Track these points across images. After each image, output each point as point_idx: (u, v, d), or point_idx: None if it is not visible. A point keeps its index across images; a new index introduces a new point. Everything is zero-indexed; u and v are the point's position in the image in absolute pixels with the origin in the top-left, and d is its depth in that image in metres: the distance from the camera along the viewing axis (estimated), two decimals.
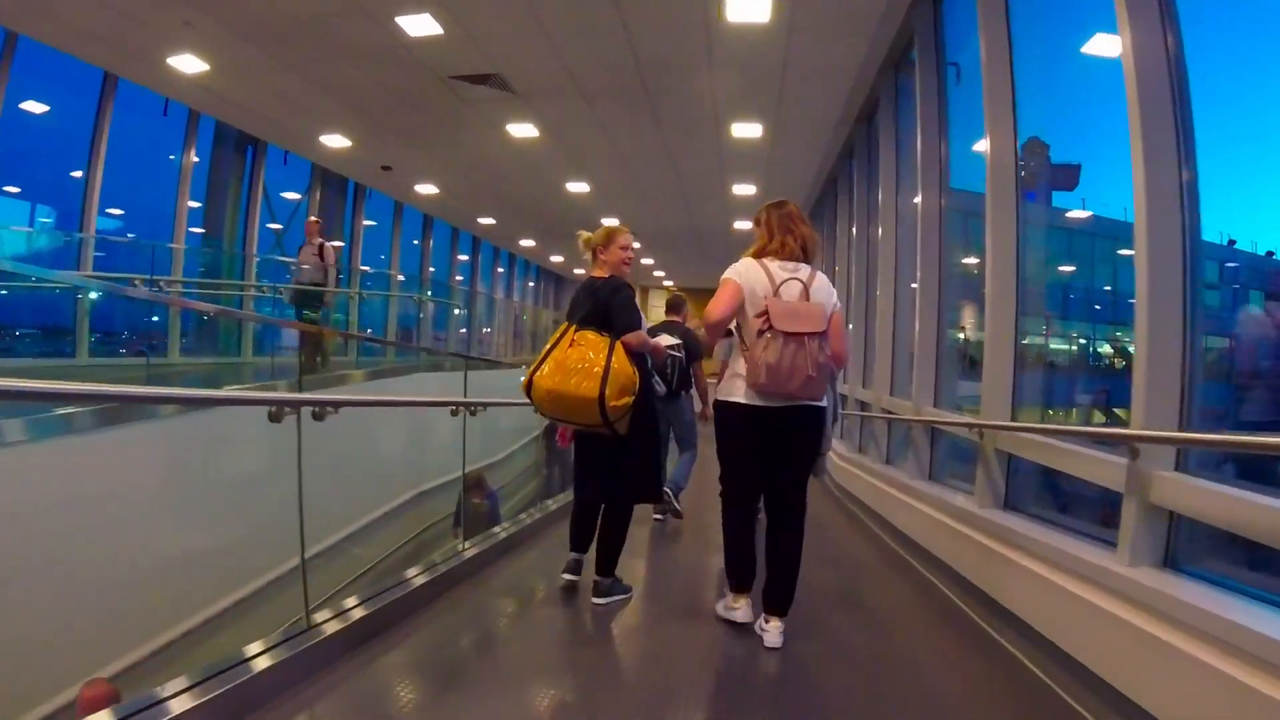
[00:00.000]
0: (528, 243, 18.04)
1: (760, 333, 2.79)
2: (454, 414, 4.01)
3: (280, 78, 7.82)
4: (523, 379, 3.25)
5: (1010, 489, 3.59)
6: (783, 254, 2.94)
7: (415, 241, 15.89)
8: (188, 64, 7.55)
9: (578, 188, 11.63)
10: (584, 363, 3.12)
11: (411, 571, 3.37)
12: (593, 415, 3.09)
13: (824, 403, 2.95)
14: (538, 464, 9.27)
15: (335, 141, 10.33)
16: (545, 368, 3.17)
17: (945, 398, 4.94)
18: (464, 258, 18.03)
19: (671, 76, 7.02)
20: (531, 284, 23.70)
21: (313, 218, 8.96)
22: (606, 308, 3.24)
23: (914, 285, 5.53)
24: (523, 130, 8.98)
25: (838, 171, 9.41)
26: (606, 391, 3.05)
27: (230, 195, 11.17)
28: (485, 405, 4.38)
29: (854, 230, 8.21)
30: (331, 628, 2.54)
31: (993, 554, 3.26)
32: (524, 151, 9.81)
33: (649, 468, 3.42)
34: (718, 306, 2.88)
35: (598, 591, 3.32)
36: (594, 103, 7.83)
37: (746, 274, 2.91)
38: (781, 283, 2.86)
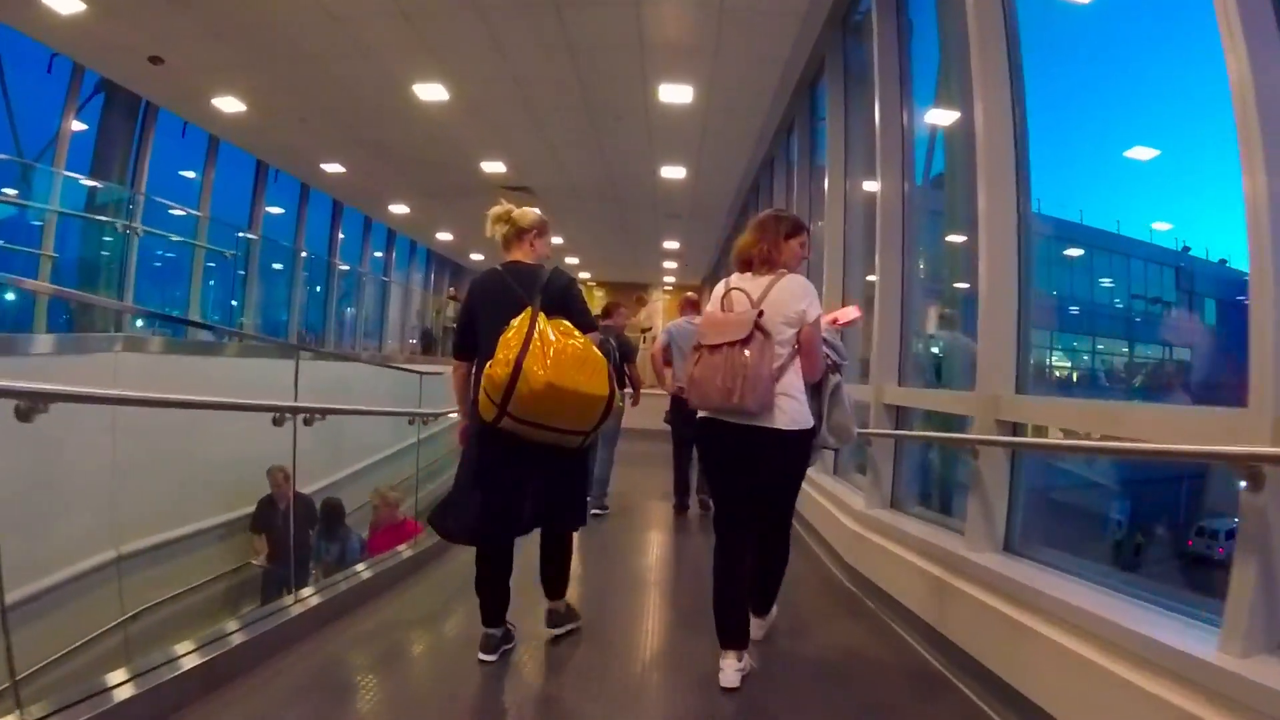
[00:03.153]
0: (400, 208, 14.08)
1: (696, 347, 2.77)
2: None
3: None
4: (493, 369, 2.57)
5: None
6: (737, 268, 2.91)
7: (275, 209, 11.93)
8: None
9: (431, 92, 7.80)
10: (584, 355, 2.66)
11: None
12: (590, 420, 2.71)
13: (787, 425, 2.63)
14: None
15: (63, 4, 6.53)
16: (539, 357, 2.56)
17: None
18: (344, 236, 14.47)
19: None
20: (419, 274, 19.67)
21: None
22: (564, 301, 2.81)
23: None
24: None
25: (826, 47, 6.02)
26: (616, 392, 2.75)
27: None
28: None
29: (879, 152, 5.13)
30: None
31: None
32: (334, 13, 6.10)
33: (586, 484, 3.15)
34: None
35: (553, 621, 3.13)
36: None
37: (713, 298, 2.91)
38: (724, 294, 2.81)
